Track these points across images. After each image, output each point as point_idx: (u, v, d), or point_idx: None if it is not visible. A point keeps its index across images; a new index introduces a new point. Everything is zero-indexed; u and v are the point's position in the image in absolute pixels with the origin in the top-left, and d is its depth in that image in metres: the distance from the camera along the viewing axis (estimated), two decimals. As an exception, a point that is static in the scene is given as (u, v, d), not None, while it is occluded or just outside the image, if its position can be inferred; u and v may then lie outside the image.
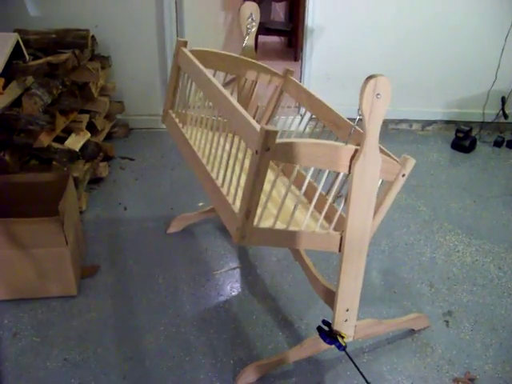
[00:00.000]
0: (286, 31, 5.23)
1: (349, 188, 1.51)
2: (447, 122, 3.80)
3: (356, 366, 1.80)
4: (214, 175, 1.71)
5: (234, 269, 2.38)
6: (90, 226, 2.61)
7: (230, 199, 1.58)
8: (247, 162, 1.42)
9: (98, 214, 2.71)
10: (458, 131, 3.46)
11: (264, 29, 5.04)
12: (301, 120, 2.13)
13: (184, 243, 2.54)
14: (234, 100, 1.59)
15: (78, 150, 2.68)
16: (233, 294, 2.24)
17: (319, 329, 1.82)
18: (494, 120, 3.74)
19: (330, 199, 1.63)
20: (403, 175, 1.59)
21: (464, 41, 3.53)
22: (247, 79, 2.22)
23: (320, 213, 1.62)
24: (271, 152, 1.34)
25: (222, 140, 1.71)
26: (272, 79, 2.25)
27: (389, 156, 1.59)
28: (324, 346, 1.87)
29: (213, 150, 1.76)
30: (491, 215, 2.85)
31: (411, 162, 1.57)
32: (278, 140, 1.35)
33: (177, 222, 2.60)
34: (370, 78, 1.36)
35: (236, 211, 1.51)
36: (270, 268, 2.40)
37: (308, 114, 2.04)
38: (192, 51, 2.06)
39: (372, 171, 1.51)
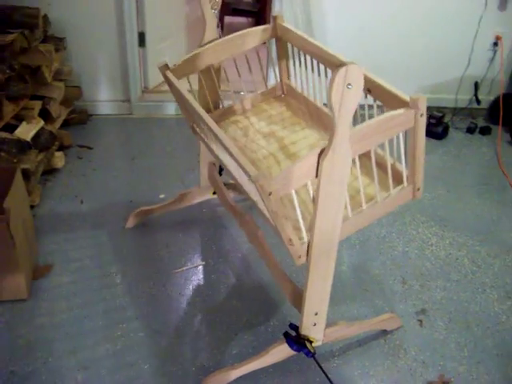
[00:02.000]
0: (253, 12, 5.06)
1: (317, 187, 1.39)
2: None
3: (326, 374, 1.70)
4: None
5: (197, 266, 2.25)
6: (43, 221, 2.43)
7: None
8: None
9: (52, 208, 2.53)
10: (430, 117, 3.36)
11: (231, 9, 4.87)
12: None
13: (143, 239, 2.38)
14: (226, 140, 1.49)
15: (29, 139, 2.49)
16: (195, 293, 2.11)
17: (286, 335, 1.71)
18: (466, 106, 3.66)
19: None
20: (421, 115, 1.48)
21: (437, 25, 3.41)
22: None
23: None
24: (275, 194, 1.31)
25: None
26: (262, 35, 2.09)
27: (397, 97, 1.51)
28: (291, 351, 1.76)
29: None
30: (465, 206, 2.76)
31: (423, 100, 1.45)
32: (274, 180, 1.30)
33: (136, 216, 2.44)
34: (339, 66, 1.22)
35: None
36: (235, 265, 2.27)
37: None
38: (177, 68, 1.91)
39: (341, 168, 1.38)
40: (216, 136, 1.53)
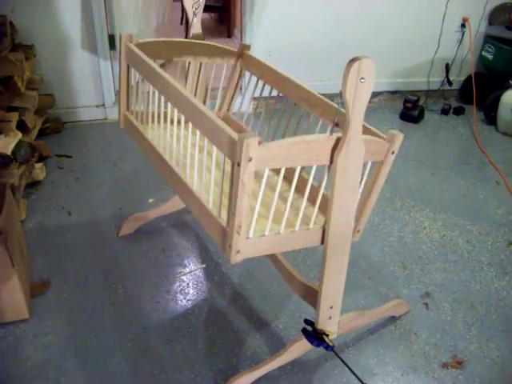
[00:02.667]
0: (218, 7, 5.00)
1: (332, 180, 1.38)
2: (393, 93, 3.75)
3: (347, 365, 1.70)
4: (189, 181, 1.53)
5: (198, 269, 2.22)
6: (32, 236, 2.35)
7: (213, 211, 1.42)
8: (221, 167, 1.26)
9: (40, 222, 2.45)
10: (406, 101, 3.41)
11: (195, 5, 4.80)
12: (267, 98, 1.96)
13: (139, 246, 2.34)
14: (199, 104, 1.41)
15: (9, 153, 2.41)
16: (201, 297, 2.08)
17: (304, 331, 1.70)
18: (439, 88, 3.73)
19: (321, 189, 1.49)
20: (393, 152, 1.46)
21: (406, 11, 3.45)
22: (201, 63, 2.03)
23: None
24: (254, 161, 1.20)
25: (190, 137, 1.53)
26: (228, 58, 2.06)
27: (375, 134, 1.47)
28: (308, 347, 1.76)
29: (183, 152, 1.58)
30: (451, 187, 2.82)
31: (399, 137, 1.43)
32: (260, 146, 1.20)
33: (129, 224, 2.39)
34: (353, 60, 1.22)
35: (223, 224, 1.35)
36: (236, 266, 2.25)
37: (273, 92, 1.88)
38: (138, 45, 1.84)
39: (356, 160, 1.38)
40: (189, 102, 1.43)
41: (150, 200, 2.63)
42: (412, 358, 1.85)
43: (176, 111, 1.56)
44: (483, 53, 3.58)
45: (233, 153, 1.23)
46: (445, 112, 3.57)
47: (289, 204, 1.38)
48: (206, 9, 5.03)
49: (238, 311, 2.02)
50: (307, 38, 3.41)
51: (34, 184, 2.70)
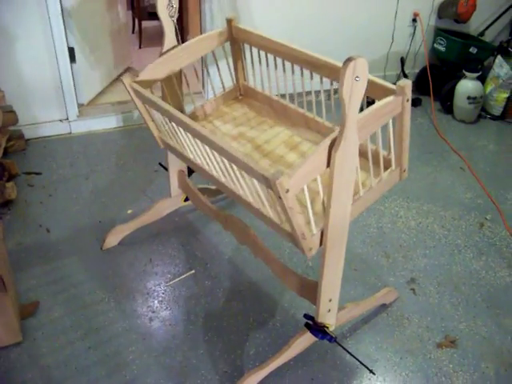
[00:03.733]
0: (168, 14, 4.97)
1: (329, 178, 1.43)
2: (352, 89, 3.85)
3: (351, 353, 1.77)
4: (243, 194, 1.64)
5: (188, 275, 2.23)
6: (13, 257, 2.28)
7: (275, 218, 1.57)
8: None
9: (19, 242, 2.39)
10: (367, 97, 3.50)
11: (147, 14, 4.76)
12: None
13: (124, 258, 2.32)
14: (229, 147, 1.46)
15: (-21, 174, 2.35)
16: (194, 303, 2.09)
17: (307, 325, 1.75)
18: (395, 81, 3.84)
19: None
20: (407, 100, 1.56)
21: (359, 8, 3.55)
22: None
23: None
24: (291, 191, 1.33)
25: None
26: (218, 38, 2.09)
27: (386, 87, 1.61)
28: (310, 341, 1.81)
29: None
30: (419, 176, 2.93)
31: (409, 85, 1.53)
32: (290, 178, 1.31)
33: (111, 237, 2.37)
34: (348, 60, 1.28)
35: (289, 230, 1.51)
36: (225, 267, 2.27)
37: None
38: (140, 82, 1.85)
39: (352, 156, 1.43)
40: (209, 140, 1.51)
41: (129, 211, 2.61)
42: (408, 342, 1.93)
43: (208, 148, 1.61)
44: (435, 45, 3.72)
45: (269, 186, 1.35)
46: (403, 104, 3.69)
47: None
48: (156, 16, 5.00)
49: (234, 313, 2.05)
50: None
51: (6, 204, 2.62)
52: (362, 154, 1.65)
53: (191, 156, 1.83)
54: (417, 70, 3.87)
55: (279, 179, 1.28)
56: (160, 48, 2.05)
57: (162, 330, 1.97)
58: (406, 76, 3.75)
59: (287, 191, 1.32)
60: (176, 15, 2.04)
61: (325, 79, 1.83)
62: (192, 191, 2.28)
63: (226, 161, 1.52)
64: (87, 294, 2.13)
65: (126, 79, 1.86)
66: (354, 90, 1.32)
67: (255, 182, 1.46)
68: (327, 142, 1.39)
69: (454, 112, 3.55)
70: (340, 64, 1.70)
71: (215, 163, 1.64)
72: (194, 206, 2.39)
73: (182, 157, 1.96)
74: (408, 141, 1.67)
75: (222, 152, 1.49)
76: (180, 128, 1.68)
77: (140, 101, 1.87)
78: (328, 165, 1.42)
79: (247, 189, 1.58)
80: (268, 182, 1.33)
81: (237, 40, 2.13)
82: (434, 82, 3.59)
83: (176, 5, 2.02)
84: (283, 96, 2.10)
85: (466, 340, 1.94)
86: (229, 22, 2.09)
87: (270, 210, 1.56)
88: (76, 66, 3.23)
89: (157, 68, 1.96)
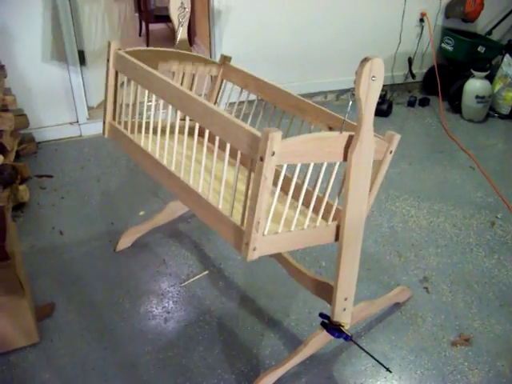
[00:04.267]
0: (175, 16, 5.00)
1: (346, 176, 1.45)
2: (360, 89, 3.86)
3: (367, 351, 1.77)
4: (195, 186, 1.55)
5: (202, 276, 2.24)
6: (27, 259, 2.30)
7: (224, 211, 1.44)
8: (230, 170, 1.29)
9: (32, 245, 2.41)
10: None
11: (153, 17, 4.79)
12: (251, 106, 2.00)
13: (138, 259, 2.34)
14: (209, 103, 1.44)
15: (-6, 177, 2.37)
16: (209, 302, 2.11)
17: (324, 324, 1.76)
18: (403, 81, 3.86)
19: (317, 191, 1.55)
20: (391, 152, 1.55)
21: (367, 9, 3.57)
22: (185, 73, 2.06)
23: (307, 207, 1.53)
24: (276, 156, 1.24)
25: (186, 143, 1.56)
26: (210, 69, 2.10)
27: (375, 135, 1.54)
28: (326, 339, 1.82)
29: (183, 158, 1.60)
30: (429, 175, 2.94)
31: (397, 138, 1.53)
32: (282, 141, 1.25)
33: (125, 238, 2.38)
34: (365, 60, 1.29)
35: (237, 224, 1.39)
36: (238, 268, 2.29)
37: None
38: (127, 52, 1.85)
39: (367, 156, 1.45)
40: (191, 98, 1.47)
41: (141, 213, 2.63)
42: (422, 341, 1.94)
43: (179, 113, 1.58)
44: (443, 45, 3.74)
45: (253, 148, 1.27)
46: (411, 104, 3.72)
47: (300, 201, 1.44)
48: (164, 19, 5.04)
49: (249, 313, 2.06)
50: (274, 42, 3.48)
51: (19, 206, 2.65)
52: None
53: (142, 143, 1.76)
54: (424, 70, 3.89)
55: (273, 133, 1.20)
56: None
57: (178, 330, 1.98)
58: (413, 76, 3.77)
59: (273, 153, 1.22)
60: (186, 18, 2.04)
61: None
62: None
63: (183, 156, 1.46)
64: (102, 295, 2.14)
65: (114, 43, 1.81)
66: (370, 90, 1.33)
67: (227, 150, 1.39)
68: (340, 135, 1.39)
69: (463, 111, 3.56)
70: (324, 109, 1.75)
71: (172, 154, 1.61)
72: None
73: (127, 146, 1.86)
74: (375, 194, 1.61)
75: (205, 113, 1.42)
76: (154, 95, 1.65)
77: (114, 70, 1.83)
78: (331, 159, 1.41)
79: (202, 174, 1.50)
80: (255, 141, 1.25)
81: (222, 78, 2.10)
82: (441, 82, 3.61)
83: (188, 8, 2.03)
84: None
85: (480, 338, 1.94)
86: (223, 58, 2.09)
87: (221, 198, 1.44)
88: (86, 68, 3.26)
89: (145, 53, 1.90)
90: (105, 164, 3.06)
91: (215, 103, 2.17)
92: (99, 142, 3.30)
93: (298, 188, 1.52)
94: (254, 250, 1.37)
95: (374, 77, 1.32)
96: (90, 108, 3.37)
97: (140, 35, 5.07)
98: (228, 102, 2.08)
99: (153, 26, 5.02)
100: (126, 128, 1.88)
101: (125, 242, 2.39)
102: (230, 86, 2.05)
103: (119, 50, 1.83)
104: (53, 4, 2.93)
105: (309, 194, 1.61)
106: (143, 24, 4.97)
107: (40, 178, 2.93)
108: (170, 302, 2.10)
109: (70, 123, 3.29)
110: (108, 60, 1.86)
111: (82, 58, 3.20)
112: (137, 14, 4.97)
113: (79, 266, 2.29)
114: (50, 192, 2.81)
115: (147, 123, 1.75)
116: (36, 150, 3.19)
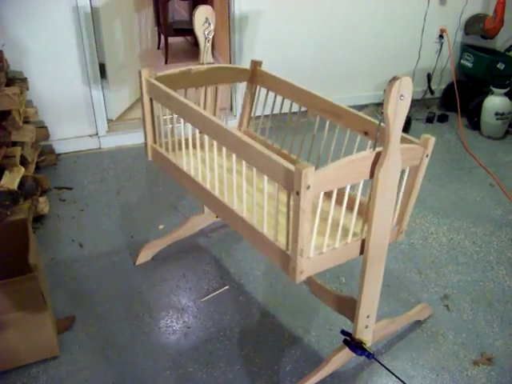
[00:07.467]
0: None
1: (372, 194, 1.45)
2: (378, 105, 3.86)
3: (389, 369, 1.76)
4: (240, 211, 1.59)
5: (222, 291, 2.24)
6: (47, 270, 2.31)
7: (269, 235, 1.48)
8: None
9: (52, 257, 2.42)
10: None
11: (173, 30, 4.84)
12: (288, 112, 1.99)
13: (158, 273, 2.34)
14: (245, 137, 1.46)
15: (15, 188, 2.39)
16: (229, 318, 2.10)
17: (346, 342, 1.75)
18: (422, 97, 3.86)
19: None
20: (427, 155, 1.55)
21: (386, 25, 3.59)
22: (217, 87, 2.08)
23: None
24: (312, 189, 1.27)
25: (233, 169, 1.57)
26: (242, 77, 2.11)
27: (410, 141, 1.55)
28: (348, 357, 1.81)
29: (225, 181, 1.62)
30: (449, 192, 2.92)
31: (432, 141, 1.53)
32: (315, 173, 1.27)
33: (145, 252, 2.39)
34: (393, 79, 1.29)
35: (282, 248, 1.43)
36: (258, 283, 2.28)
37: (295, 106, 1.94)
38: (159, 78, 1.88)
39: (394, 173, 1.45)
40: (226, 131, 1.50)
41: (161, 226, 2.63)
42: (443, 359, 1.92)
43: (215, 143, 1.61)
44: (462, 61, 3.74)
45: (289, 182, 1.30)
46: (430, 120, 3.71)
47: (342, 218, 1.45)
48: (182, 32, 5.08)
49: (269, 329, 2.05)
50: (295, 55, 3.49)
51: (38, 218, 2.67)
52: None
53: (185, 167, 1.81)
54: (443, 86, 3.89)
55: (306, 169, 1.23)
56: (184, 64, 2.05)
57: (198, 345, 1.98)
58: (432, 92, 3.77)
59: (308, 187, 1.25)
60: (211, 35, 2.05)
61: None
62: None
63: (225, 170, 1.50)
64: (122, 308, 2.15)
65: (144, 71, 1.86)
66: (398, 109, 1.33)
67: (265, 181, 1.43)
68: (369, 155, 1.40)
69: (482, 128, 3.55)
70: (360, 114, 1.75)
71: (214, 171, 1.65)
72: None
73: (171, 170, 1.90)
74: (414, 200, 1.61)
75: (239, 146, 1.46)
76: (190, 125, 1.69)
77: (148, 97, 1.87)
78: (362, 178, 1.41)
79: (244, 199, 1.54)
80: (290, 175, 1.28)
81: (255, 83, 2.12)
82: (460, 98, 3.60)
83: (213, 24, 2.04)
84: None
85: (503, 358, 1.92)
86: (254, 63, 2.11)
87: (265, 224, 1.48)
88: (106, 81, 3.30)
89: (175, 76, 1.95)
90: (124, 177, 3.08)
91: (251, 110, 2.18)
92: (118, 155, 3.32)
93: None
94: (301, 273, 1.41)
95: (402, 96, 1.32)
96: (109, 121, 3.41)
97: (159, 48, 5.12)
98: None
99: (171, 40, 5.07)
100: (167, 150, 1.92)
101: (145, 256, 2.40)
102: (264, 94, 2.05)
103: (150, 77, 1.86)
104: (75, 17, 2.97)
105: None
106: (162, 37, 5.02)
107: (59, 190, 2.95)
108: (191, 317, 2.10)
109: (90, 135, 3.32)
110: (141, 88, 1.89)
111: (102, 71, 3.23)
112: (156, 28, 5.02)
113: (99, 279, 2.30)
114: (70, 204, 2.83)
115: (187, 144, 1.77)
116: (56, 162, 3.22)
